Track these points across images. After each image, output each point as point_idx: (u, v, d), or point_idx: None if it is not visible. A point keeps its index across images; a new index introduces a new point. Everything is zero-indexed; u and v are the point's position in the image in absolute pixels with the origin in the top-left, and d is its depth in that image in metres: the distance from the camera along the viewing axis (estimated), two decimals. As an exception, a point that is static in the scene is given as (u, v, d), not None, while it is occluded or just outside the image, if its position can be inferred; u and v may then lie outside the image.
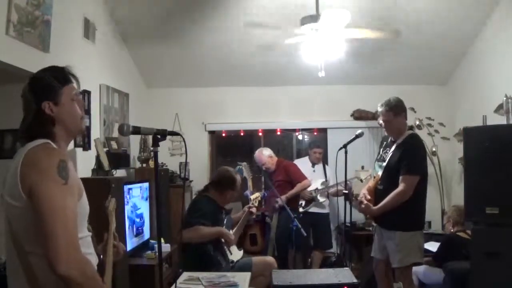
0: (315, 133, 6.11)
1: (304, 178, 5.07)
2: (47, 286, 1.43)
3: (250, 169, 5.19)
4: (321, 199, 5.27)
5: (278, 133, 6.06)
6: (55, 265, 1.33)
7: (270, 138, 5.97)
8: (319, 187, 5.28)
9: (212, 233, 3.55)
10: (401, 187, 3.24)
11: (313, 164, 5.44)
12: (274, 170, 5.14)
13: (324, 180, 5.37)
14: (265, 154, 5.16)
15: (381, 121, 3.46)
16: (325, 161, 5.57)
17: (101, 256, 1.77)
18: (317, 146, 5.47)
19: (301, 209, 5.10)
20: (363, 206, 3.42)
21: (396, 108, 3.38)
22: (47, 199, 1.37)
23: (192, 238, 3.47)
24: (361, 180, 4.92)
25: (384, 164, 3.41)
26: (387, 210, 3.29)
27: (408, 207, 3.24)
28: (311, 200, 5.21)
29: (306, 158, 5.54)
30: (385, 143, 3.57)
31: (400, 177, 3.26)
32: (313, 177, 5.31)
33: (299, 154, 6.11)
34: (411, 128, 3.53)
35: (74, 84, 1.62)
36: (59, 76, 1.58)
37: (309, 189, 5.24)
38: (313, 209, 5.23)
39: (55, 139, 1.54)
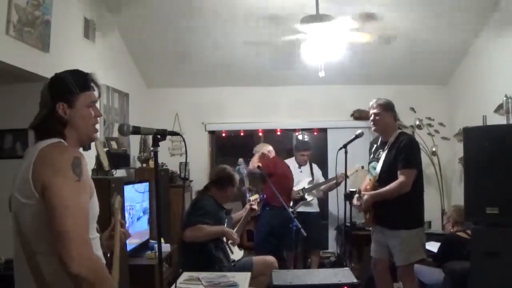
0: (316, 133, 6.10)
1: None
2: (54, 285, 1.42)
3: (246, 166, 5.14)
4: (308, 198, 5.27)
5: (278, 133, 6.06)
6: (68, 263, 1.32)
7: (270, 138, 5.97)
8: (306, 186, 5.28)
9: (215, 232, 3.56)
10: (401, 178, 3.28)
11: (300, 165, 5.44)
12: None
13: (310, 179, 5.38)
14: (268, 149, 5.09)
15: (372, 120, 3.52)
16: (311, 161, 5.55)
17: (108, 255, 1.77)
18: (305, 149, 5.43)
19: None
20: (365, 196, 3.40)
21: (385, 105, 3.47)
22: (60, 195, 1.37)
23: (195, 237, 3.47)
24: (347, 176, 4.93)
25: (379, 164, 3.42)
26: (387, 197, 3.30)
27: (408, 205, 3.27)
28: (299, 200, 5.21)
29: (293, 159, 5.49)
30: (375, 145, 3.60)
31: (398, 172, 3.28)
32: (300, 177, 5.31)
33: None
34: (400, 128, 3.56)
35: (95, 92, 1.63)
36: (80, 81, 1.59)
37: (296, 188, 5.23)
38: (301, 209, 5.21)
39: (65, 141, 1.54)
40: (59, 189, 1.37)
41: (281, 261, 4.29)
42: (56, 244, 1.34)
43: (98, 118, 1.66)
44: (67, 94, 1.55)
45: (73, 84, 1.56)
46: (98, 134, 1.71)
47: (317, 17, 3.98)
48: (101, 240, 1.70)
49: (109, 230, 1.87)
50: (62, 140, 1.52)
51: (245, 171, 5.09)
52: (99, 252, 1.57)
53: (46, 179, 1.38)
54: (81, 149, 1.67)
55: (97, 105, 1.67)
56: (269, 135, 6.06)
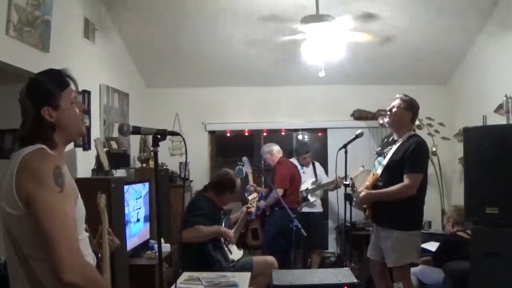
0: (320, 134, 6.09)
1: (279, 186, 4.77)
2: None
3: (250, 164, 5.19)
4: (311, 199, 5.28)
5: (283, 133, 6.08)
6: (60, 273, 1.34)
7: (270, 138, 5.97)
8: (310, 187, 5.28)
9: (211, 232, 3.56)
10: (406, 182, 3.22)
11: (302, 166, 5.44)
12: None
13: (314, 180, 5.38)
14: (265, 151, 5.15)
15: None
16: (313, 160, 5.56)
17: (99, 255, 1.77)
18: (306, 152, 5.44)
19: None
20: (362, 193, 3.37)
21: (407, 102, 3.40)
22: (45, 209, 1.37)
23: (192, 238, 3.47)
24: (351, 178, 4.95)
25: (385, 160, 3.40)
26: (386, 198, 3.26)
27: (408, 206, 3.22)
28: (302, 200, 5.22)
29: (295, 160, 5.50)
30: (386, 140, 3.57)
31: (405, 175, 3.24)
32: (304, 178, 5.31)
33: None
34: (413, 130, 3.53)
35: (72, 87, 1.59)
36: (57, 80, 1.55)
37: (300, 189, 5.24)
38: (305, 209, 5.25)
39: (53, 145, 1.51)
40: (44, 203, 1.37)
41: (288, 262, 4.30)
42: (47, 255, 1.36)
43: (84, 114, 1.64)
44: (49, 97, 1.51)
45: (51, 85, 1.52)
46: (85, 123, 1.70)
47: (317, 17, 3.98)
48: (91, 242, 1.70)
49: (97, 237, 1.87)
50: (44, 146, 1.48)
51: (249, 169, 5.12)
52: (88, 251, 1.58)
53: (30, 192, 1.38)
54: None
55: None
56: (270, 136, 6.06)
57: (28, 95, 1.52)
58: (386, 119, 3.50)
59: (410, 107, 3.41)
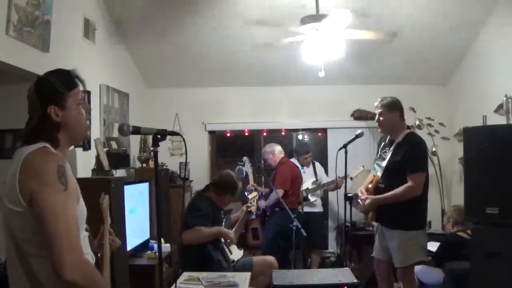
0: (320, 134, 6.10)
1: (280, 187, 4.86)
2: (49, 287, 1.43)
3: (250, 165, 5.20)
4: (312, 198, 5.29)
5: (283, 133, 6.09)
6: (60, 270, 1.34)
7: (270, 138, 5.98)
8: (310, 187, 5.28)
9: (212, 233, 3.56)
10: (410, 183, 3.21)
11: (302, 166, 5.44)
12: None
13: (314, 179, 5.39)
14: (266, 151, 5.17)
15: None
16: (313, 160, 5.57)
17: (99, 255, 1.78)
18: (306, 152, 5.45)
19: None
20: (367, 201, 3.38)
21: (389, 105, 3.39)
22: (49, 206, 1.38)
23: (192, 239, 3.47)
24: (351, 178, 4.96)
25: (384, 163, 3.40)
26: (391, 201, 3.25)
27: (411, 205, 3.23)
28: (302, 200, 5.23)
29: (295, 160, 5.51)
30: (383, 143, 3.56)
31: (408, 177, 3.23)
32: (304, 178, 5.32)
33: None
34: (409, 128, 3.52)
35: (80, 88, 1.60)
36: (65, 80, 1.56)
37: (300, 189, 5.25)
38: (305, 209, 5.24)
39: (57, 144, 1.52)
40: (48, 201, 1.38)
41: (288, 262, 4.30)
42: (48, 252, 1.36)
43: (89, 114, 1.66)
44: (57, 96, 1.53)
45: (59, 85, 1.54)
46: (89, 132, 1.70)
47: (317, 17, 3.98)
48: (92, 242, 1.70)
49: (98, 238, 1.88)
50: (47, 145, 1.49)
51: (250, 169, 5.13)
52: (87, 250, 1.58)
53: (34, 190, 1.39)
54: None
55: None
56: (270, 136, 6.06)
57: (36, 93, 1.54)
58: (379, 130, 3.51)
59: (393, 107, 3.40)
